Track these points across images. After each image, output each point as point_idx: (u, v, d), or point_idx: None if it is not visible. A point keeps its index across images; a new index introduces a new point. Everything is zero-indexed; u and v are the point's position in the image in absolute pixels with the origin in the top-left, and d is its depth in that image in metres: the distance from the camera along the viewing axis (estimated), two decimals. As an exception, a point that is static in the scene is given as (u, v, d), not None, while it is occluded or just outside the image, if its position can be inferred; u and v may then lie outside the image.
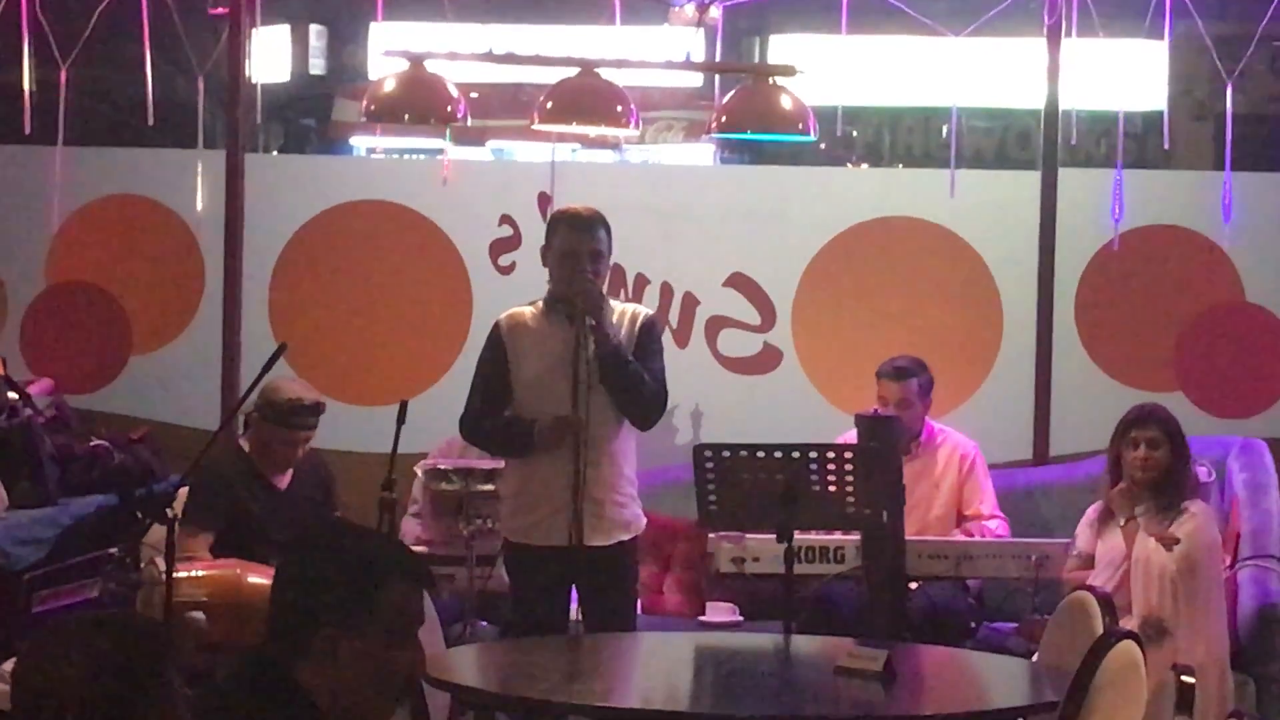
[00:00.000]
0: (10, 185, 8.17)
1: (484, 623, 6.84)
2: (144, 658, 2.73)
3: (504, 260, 8.00)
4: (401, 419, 6.37)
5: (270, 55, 12.22)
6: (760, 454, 5.72)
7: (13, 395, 7.44)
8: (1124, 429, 6.69)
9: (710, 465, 5.77)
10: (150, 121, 7.75)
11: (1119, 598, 6.03)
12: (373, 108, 6.84)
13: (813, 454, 5.74)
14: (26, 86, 7.57)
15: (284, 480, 6.86)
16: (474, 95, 7.63)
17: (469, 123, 6.95)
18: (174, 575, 5.76)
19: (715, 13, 8.25)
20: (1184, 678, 4.01)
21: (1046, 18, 7.70)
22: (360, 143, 13.21)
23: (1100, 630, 4.85)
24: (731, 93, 6.87)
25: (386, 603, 3.05)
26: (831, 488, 5.73)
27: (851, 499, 5.76)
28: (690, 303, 7.98)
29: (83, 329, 8.13)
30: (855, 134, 14.24)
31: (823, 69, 7.54)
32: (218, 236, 8.00)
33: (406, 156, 12.08)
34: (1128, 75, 8.46)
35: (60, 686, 2.68)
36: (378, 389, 7.84)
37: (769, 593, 6.72)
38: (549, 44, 10.80)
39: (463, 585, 6.66)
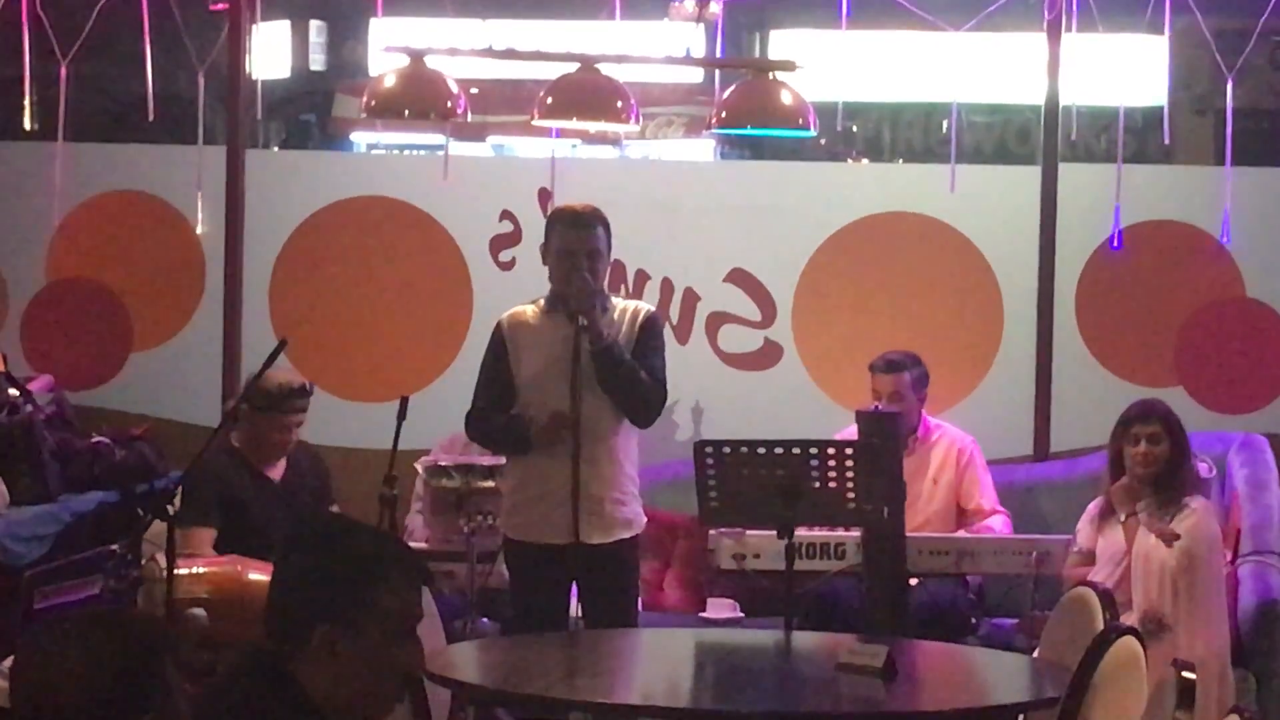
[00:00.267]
0: (11, 181, 8.16)
1: (485, 619, 6.84)
2: (143, 654, 2.73)
3: (504, 256, 8.00)
4: (402, 415, 6.37)
5: (271, 51, 12.22)
6: (761, 450, 5.72)
7: (13, 391, 7.45)
8: (1124, 425, 6.69)
9: (711, 461, 5.77)
10: (151, 117, 7.75)
11: (1119, 593, 6.03)
12: (373, 103, 6.84)
13: (813, 450, 5.74)
14: (27, 82, 7.57)
15: (277, 472, 6.86)
16: (474, 91, 7.63)
17: (469, 118, 6.95)
18: (175, 572, 5.75)
19: (715, 8, 8.26)
20: (1185, 673, 4.00)
21: (1047, 13, 7.69)
22: (361, 138, 13.22)
23: (1101, 626, 4.84)
24: (732, 88, 6.86)
25: (385, 599, 3.05)
26: (832, 484, 5.72)
27: (852, 495, 5.76)
28: (691, 298, 7.98)
29: (83, 325, 8.13)
30: (855, 129, 14.25)
31: (823, 64, 7.55)
32: (218, 232, 8.00)
33: (407, 152, 12.09)
34: (1128, 70, 8.47)
35: (59, 683, 2.68)
36: (378, 385, 7.84)
37: (770, 589, 6.71)
38: (549, 39, 10.80)
39: (463, 582, 6.65)
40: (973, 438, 7.36)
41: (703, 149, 12.83)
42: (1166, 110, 7.89)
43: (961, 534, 7.07)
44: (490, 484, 6.65)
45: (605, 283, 6.29)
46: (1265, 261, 7.89)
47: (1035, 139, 9.06)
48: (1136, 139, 11.40)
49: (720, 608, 7.26)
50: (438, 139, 10.60)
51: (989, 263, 7.94)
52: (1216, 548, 6.53)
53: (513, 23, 12.07)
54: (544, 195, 7.90)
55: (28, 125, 7.78)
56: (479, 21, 11.47)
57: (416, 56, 6.74)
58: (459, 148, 8.94)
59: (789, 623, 5.56)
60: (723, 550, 6.85)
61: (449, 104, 6.73)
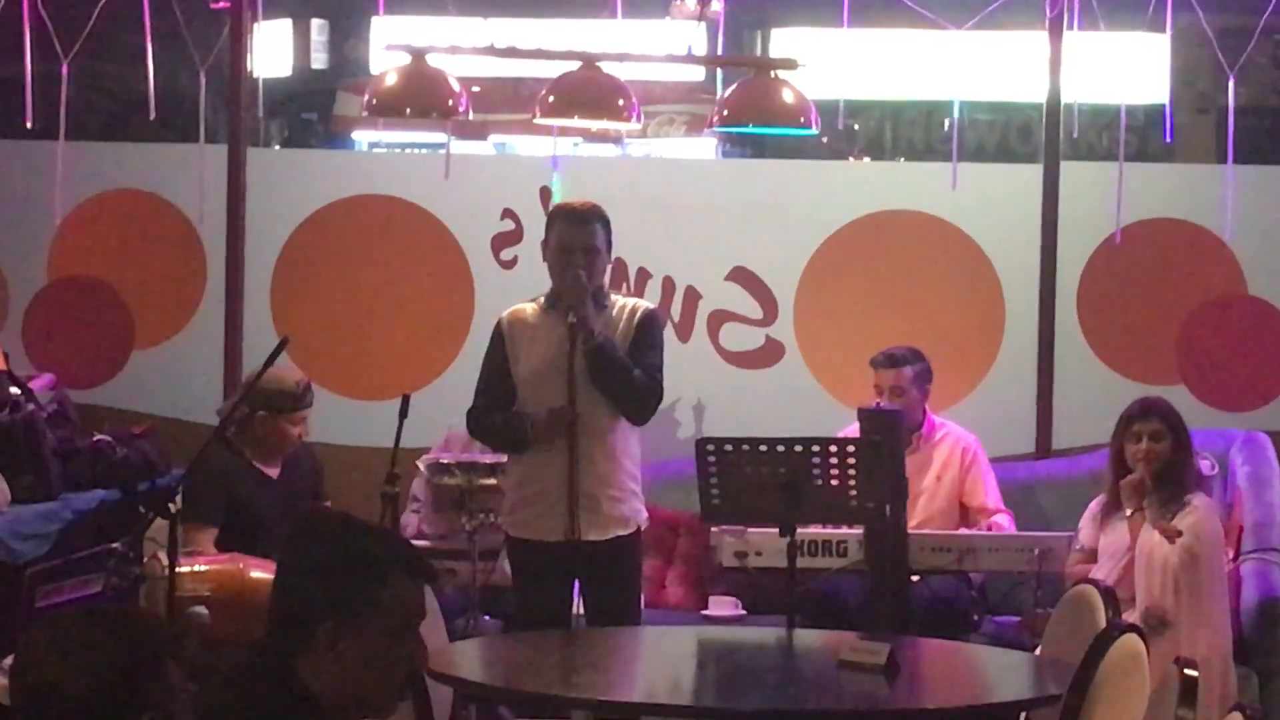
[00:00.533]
0: (12, 180, 8.17)
1: (487, 617, 6.84)
2: (142, 652, 2.72)
3: (506, 254, 8.00)
4: (404, 413, 6.37)
5: (272, 49, 12.21)
6: (763, 448, 5.72)
7: (15, 390, 7.45)
8: (1126, 422, 6.69)
9: (713, 459, 5.77)
10: (152, 116, 7.75)
11: (1121, 590, 6.04)
12: (374, 102, 6.84)
13: (815, 448, 5.74)
14: (28, 81, 7.57)
15: (275, 470, 6.86)
16: (475, 89, 7.63)
17: (470, 117, 6.95)
18: (176, 570, 5.75)
19: (717, 6, 8.25)
20: (1187, 671, 4.00)
21: (1048, 11, 7.69)
22: (362, 137, 13.19)
23: (1103, 624, 4.84)
24: (733, 86, 6.86)
25: (388, 597, 3.05)
26: (834, 481, 5.72)
27: (854, 492, 5.76)
28: (692, 297, 7.98)
29: (85, 324, 8.13)
30: (857, 128, 14.21)
31: (824, 63, 7.54)
32: (220, 231, 8.00)
33: (408, 151, 12.07)
34: (1129, 68, 8.46)
35: (60, 681, 2.68)
36: (380, 383, 7.84)
37: (772, 586, 6.71)
38: (550, 38, 10.78)
39: (465, 579, 6.66)
40: (976, 437, 7.35)
41: (704, 147, 12.81)
42: (1168, 108, 7.89)
43: (963, 531, 7.07)
44: (492, 481, 6.66)
45: (607, 280, 6.29)
46: (1267, 259, 7.89)
47: (1037, 137, 9.06)
48: (1138, 137, 11.40)
49: (722, 605, 7.26)
50: (439, 137, 10.58)
51: (991, 261, 7.94)
52: (1218, 545, 6.53)
53: (514, 21, 12.04)
54: (545, 194, 7.91)
55: (29, 124, 7.78)
56: (480, 20, 11.44)
57: (418, 55, 6.74)
58: (460, 146, 8.94)
59: (791, 620, 5.56)
60: (725, 548, 6.85)
61: (450, 102, 6.74)
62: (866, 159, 13.88)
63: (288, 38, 14.03)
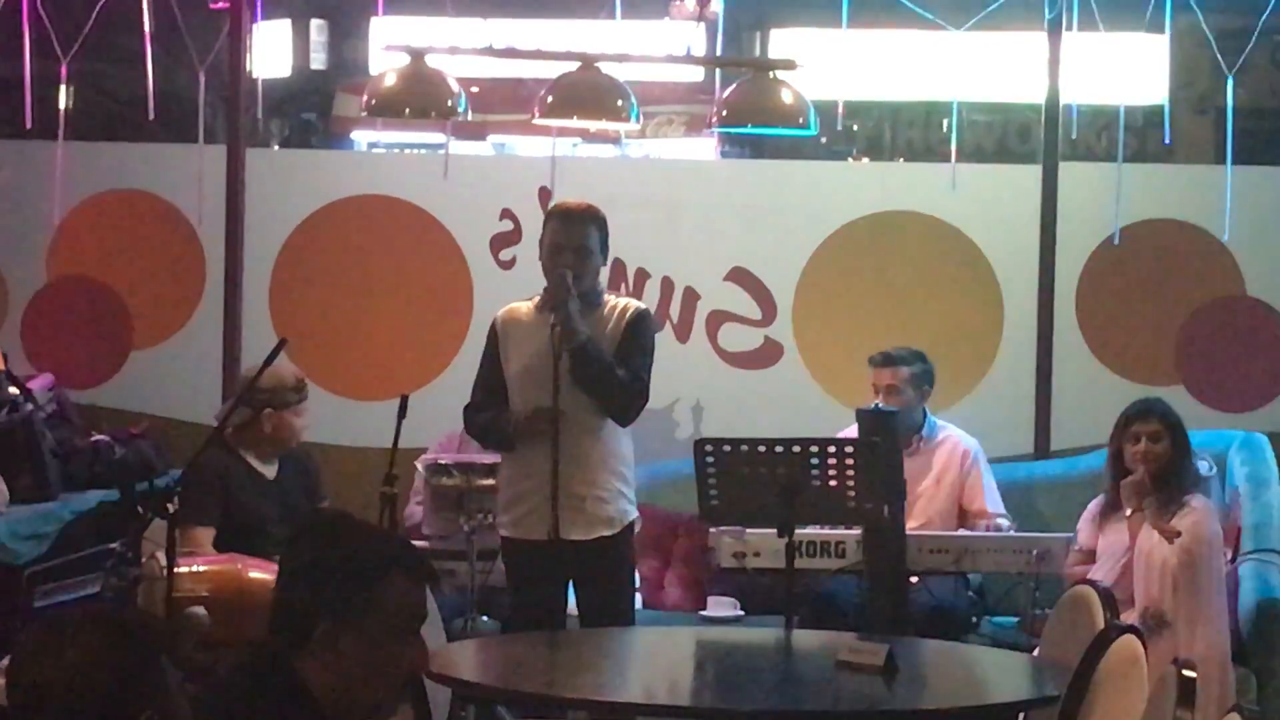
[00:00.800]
0: (11, 180, 8.17)
1: (485, 617, 6.84)
2: (140, 653, 2.72)
3: (505, 255, 8.00)
4: (402, 413, 6.37)
5: (271, 50, 12.22)
6: (761, 448, 5.71)
7: (14, 390, 7.45)
8: (1125, 423, 6.69)
9: (711, 460, 5.76)
10: (151, 116, 7.75)
11: (1120, 590, 6.04)
12: (373, 102, 6.84)
13: (814, 448, 5.73)
14: (27, 81, 7.57)
15: (272, 470, 6.86)
16: (474, 90, 7.63)
17: (469, 117, 6.95)
18: (175, 570, 5.75)
19: (716, 7, 8.26)
20: (1185, 672, 3.99)
21: (1047, 12, 7.70)
22: (361, 137, 13.19)
23: (1101, 625, 4.84)
24: (732, 87, 6.86)
25: (388, 597, 3.05)
26: (833, 482, 5.72)
27: (852, 493, 5.75)
28: (691, 297, 7.98)
29: (84, 324, 8.13)
30: (856, 128, 14.22)
31: (823, 63, 7.55)
32: (218, 231, 8.00)
33: (407, 151, 12.07)
34: (1128, 69, 8.46)
35: (57, 682, 2.67)
36: (378, 383, 7.84)
37: (770, 587, 6.72)
38: (549, 38, 10.80)
39: (464, 580, 6.65)
40: (976, 441, 7.34)
41: (703, 148, 12.80)
42: (1167, 109, 7.90)
43: (962, 532, 7.06)
44: (490, 482, 6.65)
45: (605, 281, 6.28)
46: (1266, 260, 7.89)
47: (1036, 138, 9.06)
48: (1137, 138, 11.40)
49: (721, 606, 7.26)
50: (438, 138, 10.59)
51: (989, 261, 7.94)
52: (1217, 546, 6.53)
53: (513, 21, 12.05)
54: (544, 194, 7.91)
55: (28, 124, 7.77)
56: (479, 20, 11.44)
57: (417, 55, 6.74)
58: (459, 146, 8.94)
59: (789, 621, 5.55)
60: (723, 548, 6.85)
61: (449, 103, 6.74)
62: (865, 160, 13.88)
63: (287, 38, 14.03)
